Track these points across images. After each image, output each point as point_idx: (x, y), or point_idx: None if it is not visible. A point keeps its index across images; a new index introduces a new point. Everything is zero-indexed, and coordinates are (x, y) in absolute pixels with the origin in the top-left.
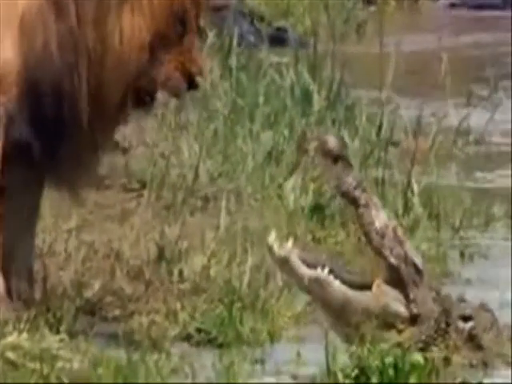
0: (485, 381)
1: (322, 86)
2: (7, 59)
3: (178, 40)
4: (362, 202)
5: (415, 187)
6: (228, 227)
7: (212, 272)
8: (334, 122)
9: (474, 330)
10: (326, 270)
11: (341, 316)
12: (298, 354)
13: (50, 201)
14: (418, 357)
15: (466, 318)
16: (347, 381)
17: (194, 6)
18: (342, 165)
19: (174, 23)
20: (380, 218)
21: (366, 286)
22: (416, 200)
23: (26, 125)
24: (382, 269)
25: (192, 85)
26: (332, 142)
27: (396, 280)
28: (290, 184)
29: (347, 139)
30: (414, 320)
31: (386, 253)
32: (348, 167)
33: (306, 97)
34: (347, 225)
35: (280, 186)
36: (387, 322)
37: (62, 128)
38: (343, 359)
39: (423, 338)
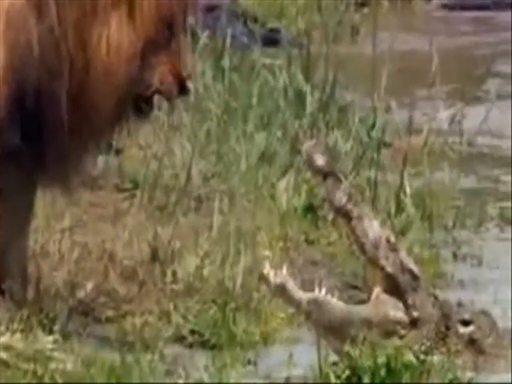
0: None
1: (315, 87)
2: None
3: (166, 44)
4: (355, 214)
5: (407, 188)
6: (221, 228)
7: (205, 273)
8: (327, 123)
9: (474, 334)
10: (324, 290)
11: (340, 332)
12: (291, 356)
13: (43, 201)
14: (410, 357)
15: (465, 323)
16: (339, 381)
17: (181, 10)
18: (332, 180)
19: (162, 28)
20: (373, 229)
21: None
22: (408, 201)
23: (13, 126)
24: (378, 278)
25: (183, 90)
26: (320, 159)
27: (394, 288)
28: (282, 185)
29: (340, 140)
30: (414, 324)
31: (382, 262)
32: (337, 182)
33: (299, 98)
34: (340, 226)
35: (273, 187)
36: (388, 329)
37: (45, 130)
38: (335, 360)
39: (425, 341)
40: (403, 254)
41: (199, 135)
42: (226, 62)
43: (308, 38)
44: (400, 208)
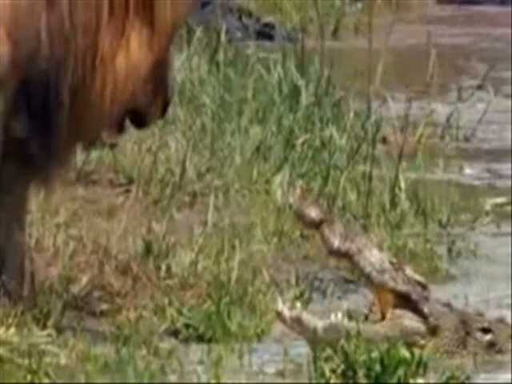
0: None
1: (310, 81)
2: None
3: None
4: (354, 250)
5: (402, 183)
6: (216, 223)
7: (200, 267)
8: (321, 117)
9: (493, 340)
10: (340, 315)
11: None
12: (285, 350)
13: (38, 196)
14: (404, 352)
15: (485, 330)
16: (333, 376)
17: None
18: (326, 226)
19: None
20: (375, 256)
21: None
22: (403, 196)
23: (21, 119)
24: (389, 300)
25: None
26: (313, 212)
27: (407, 303)
28: (277, 180)
29: (335, 135)
30: (433, 332)
31: (392, 284)
32: (331, 226)
33: (294, 92)
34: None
35: (268, 182)
36: (407, 341)
37: (51, 123)
38: (330, 354)
39: (446, 347)
40: (407, 269)
41: (194, 130)
42: (220, 57)
43: (303, 32)
44: (395, 203)
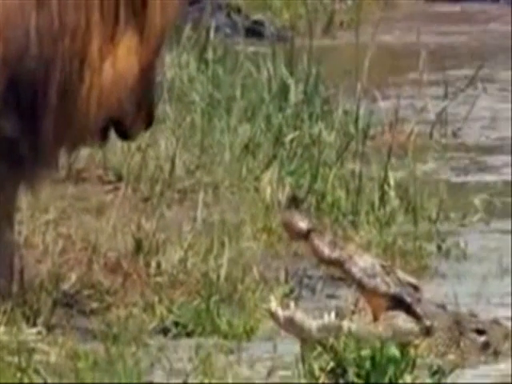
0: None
1: (299, 79)
2: None
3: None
4: (345, 257)
5: (392, 180)
6: (205, 220)
7: (189, 265)
8: (310, 115)
9: (488, 342)
10: (333, 314)
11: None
12: (275, 347)
13: (28, 193)
14: (394, 350)
15: (479, 332)
16: (323, 373)
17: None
18: (314, 236)
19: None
20: (365, 261)
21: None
22: (392, 193)
23: (9, 118)
24: (382, 304)
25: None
26: (301, 223)
27: (400, 305)
28: (267, 177)
29: (324, 132)
30: (427, 332)
31: (384, 288)
32: (319, 235)
33: (283, 90)
34: (323, 218)
35: (257, 179)
36: (401, 341)
37: (40, 122)
38: (319, 352)
39: (440, 347)
40: (398, 271)
41: (183, 127)
42: (209, 54)
43: (292, 29)
44: (384, 200)
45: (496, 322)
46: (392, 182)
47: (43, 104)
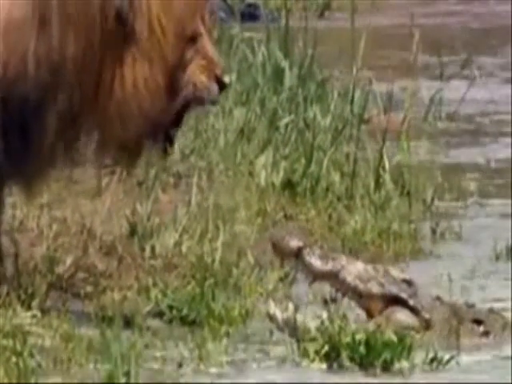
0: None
1: (294, 62)
2: None
3: (192, 55)
4: (337, 268)
5: (387, 164)
6: (200, 204)
7: (184, 248)
8: (305, 98)
9: (487, 331)
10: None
11: None
12: (271, 332)
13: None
14: (390, 334)
15: (478, 322)
16: (317, 357)
17: (199, 16)
18: (305, 252)
19: (185, 46)
20: (357, 268)
21: None
22: (387, 177)
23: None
24: (379, 308)
25: (222, 85)
26: (293, 241)
27: (398, 302)
28: (261, 161)
29: (319, 116)
30: (427, 326)
31: (380, 289)
32: (310, 250)
33: (278, 74)
34: (318, 202)
35: (251, 163)
36: (402, 334)
37: (28, 143)
38: (314, 336)
39: (441, 339)
40: (390, 270)
41: None
42: None
43: (286, 12)
44: (379, 184)
45: (493, 311)
46: (387, 166)
47: (37, 127)
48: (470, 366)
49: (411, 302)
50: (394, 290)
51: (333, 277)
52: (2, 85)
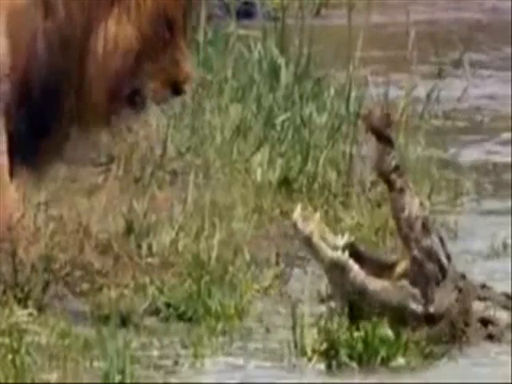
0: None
1: (290, 60)
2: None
3: (164, 46)
4: (397, 186)
5: None
6: (196, 201)
7: (180, 246)
8: (301, 96)
9: (493, 332)
10: (347, 254)
11: (356, 303)
12: (267, 329)
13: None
14: (387, 331)
15: (485, 322)
16: (316, 354)
17: (181, 11)
18: (384, 143)
19: (161, 28)
20: (412, 207)
21: (386, 267)
22: None
23: (20, 119)
24: (406, 257)
25: (177, 92)
26: (376, 118)
27: (418, 274)
28: (257, 158)
29: (315, 114)
30: (428, 320)
31: (412, 245)
32: (389, 147)
33: (274, 71)
34: (314, 199)
35: (248, 161)
36: (402, 317)
37: (48, 124)
38: (312, 333)
39: (438, 337)
40: (436, 242)
41: (174, 108)
42: (200, 35)
43: (283, 10)
44: (375, 181)
45: (505, 307)
46: None
47: (61, 101)
48: (467, 364)
49: (427, 288)
50: (421, 259)
51: (388, 187)
52: (14, 72)
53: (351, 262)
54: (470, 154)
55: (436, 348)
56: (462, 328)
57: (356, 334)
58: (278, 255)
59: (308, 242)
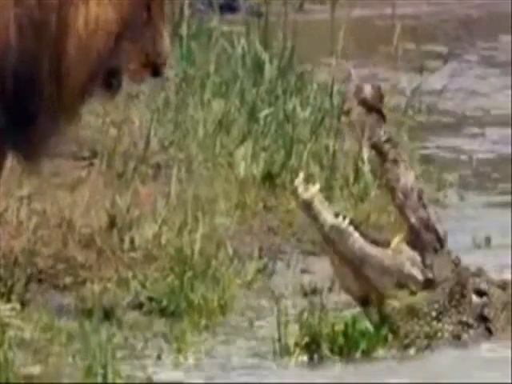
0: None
1: (274, 54)
2: None
3: (143, 27)
4: (390, 157)
5: (365, 155)
6: (179, 195)
7: (163, 240)
8: (285, 90)
9: (486, 306)
10: (347, 221)
11: (356, 269)
12: (251, 323)
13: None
14: (367, 324)
15: (480, 293)
16: (298, 348)
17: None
18: (376, 116)
19: (140, 10)
20: (407, 178)
21: (385, 243)
22: (366, 168)
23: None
24: (403, 228)
25: (155, 74)
26: (368, 90)
27: (415, 242)
28: (240, 152)
29: (298, 108)
30: (427, 285)
31: (409, 213)
32: (381, 120)
33: (258, 66)
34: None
35: (231, 155)
36: (400, 281)
37: (25, 111)
38: (294, 327)
39: (436, 306)
40: (432, 213)
41: (157, 103)
42: (183, 30)
43: (266, 5)
44: (358, 175)
45: (502, 286)
46: (366, 158)
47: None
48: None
49: (425, 255)
50: (419, 228)
51: (381, 159)
52: None
53: (351, 228)
54: (454, 149)
55: (418, 341)
56: (458, 298)
57: (337, 327)
58: (260, 249)
59: (308, 206)
